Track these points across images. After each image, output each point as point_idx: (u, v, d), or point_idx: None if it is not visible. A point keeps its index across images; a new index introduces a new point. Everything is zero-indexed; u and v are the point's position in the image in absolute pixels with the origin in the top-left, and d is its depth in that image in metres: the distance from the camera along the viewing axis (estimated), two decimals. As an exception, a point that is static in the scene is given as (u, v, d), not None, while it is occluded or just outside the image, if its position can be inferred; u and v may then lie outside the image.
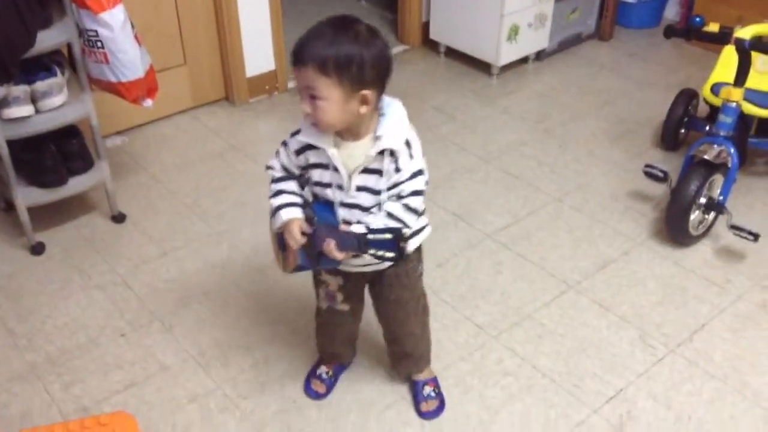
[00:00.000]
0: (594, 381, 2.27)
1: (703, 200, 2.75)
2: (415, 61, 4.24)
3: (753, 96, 2.85)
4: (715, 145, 2.68)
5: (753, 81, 2.78)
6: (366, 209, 1.73)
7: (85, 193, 2.92)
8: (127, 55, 2.57)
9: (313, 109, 1.60)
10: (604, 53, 4.34)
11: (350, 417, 2.15)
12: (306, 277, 2.04)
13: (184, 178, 3.18)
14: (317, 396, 2.20)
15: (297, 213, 1.77)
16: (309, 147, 1.73)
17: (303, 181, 1.82)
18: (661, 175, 2.90)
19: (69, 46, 2.57)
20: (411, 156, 1.68)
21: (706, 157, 2.65)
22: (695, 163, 2.71)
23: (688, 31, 2.73)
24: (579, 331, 2.44)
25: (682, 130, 3.33)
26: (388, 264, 1.83)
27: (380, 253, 1.58)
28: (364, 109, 1.62)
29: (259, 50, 3.67)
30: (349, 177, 1.70)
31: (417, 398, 2.17)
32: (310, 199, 1.81)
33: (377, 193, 1.71)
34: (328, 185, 1.74)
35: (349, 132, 1.68)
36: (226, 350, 2.36)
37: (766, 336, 2.43)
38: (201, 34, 3.51)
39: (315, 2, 4.65)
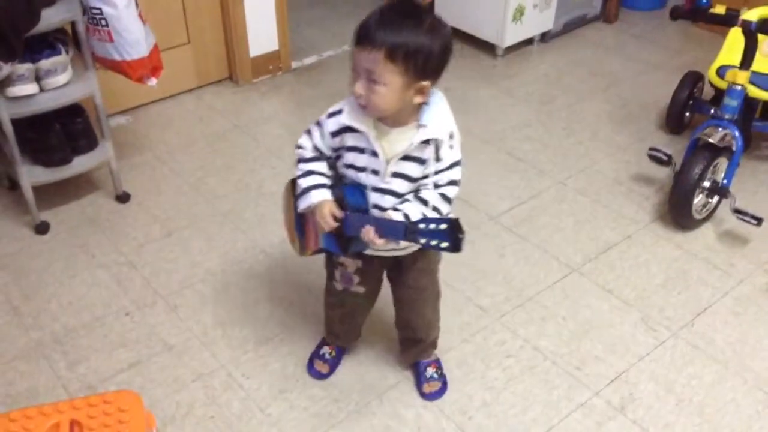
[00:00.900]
0: (596, 363, 2.28)
1: (707, 184, 2.75)
2: (420, 41, 4.21)
3: (758, 79, 2.84)
4: (720, 129, 2.67)
5: (759, 64, 2.77)
6: (399, 195, 1.71)
7: (89, 172, 2.92)
8: (132, 33, 2.56)
9: (369, 92, 1.57)
10: (610, 35, 4.32)
11: (353, 397, 2.17)
12: (311, 257, 2.04)
13: (188, 157, 3.18)
14: (320, 376, 2.21)
15: (328, 195, 1.74)
16: (347, 129, 1.70)
17: (332, 163, 1.79)
18: (665, 158, 2.90)
19: (73, 24, 2.55)
20: (451, 146, 1.68)
21: (710, 140, 2.65)
22: (700, 147, 2.70)
23: (695, 12, 2.71)
24: (581, 313, 2.45)
25: (687, 113, 3.32)
26: (412, 249, 1.83)
27: (433, 242, 1.55)
28: (418, 99, 1.61)
29: (263, 30, 3.66)
30: (387, 162, 1.69)
31: (420, 379, 2.18)
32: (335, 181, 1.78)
33: (413, 180, 1.70)
34: (362, 169, 1.72)
35: (392, 118, 1.66)
36: (230, 330, 2.37)
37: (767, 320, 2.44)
38: (205, 13, 3.50)
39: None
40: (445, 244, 1.54)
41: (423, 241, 1.56)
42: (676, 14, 2.75)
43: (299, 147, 1.79)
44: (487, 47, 4.05)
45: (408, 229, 1.58)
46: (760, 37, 2.62)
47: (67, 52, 2.59)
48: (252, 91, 3.69)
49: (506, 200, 2.96)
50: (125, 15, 2.52)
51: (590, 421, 2.11)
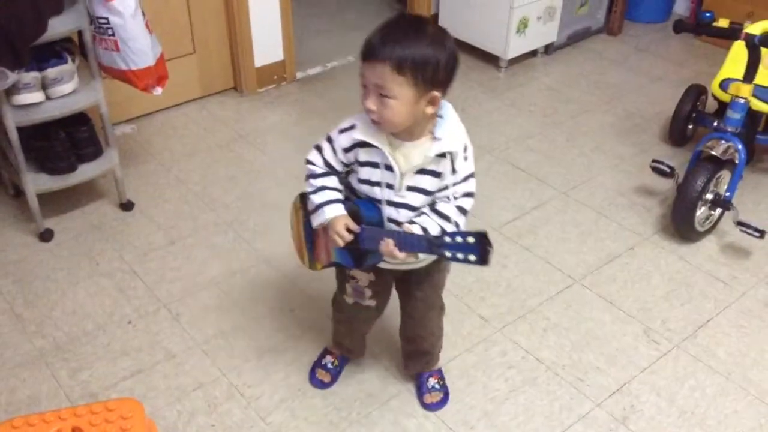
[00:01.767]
0: (598, 375, 2.28)
1: (709, 196, 2.75)
2: (424, 52, 4.22)
3: (761, 92, 2.85)
4: (723, 141, 2.68)
5: (762, 77, 2.77)
6: (414, 209, 1.72)
7: (94, 180, 2.93)
8: (138, 43, 2.57)
9: (381, 107, 1.57)
10: (613, 47, 4.34)
11: (355, 406, 2.16)
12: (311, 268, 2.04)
13: (193, 166, 3.19)
14: (322, 385, 2.22)
15: (342, 210, 1.74)
16: (360, 144, 1.70)
17: (342, 178, 1.79)
18: (668, 170, 2.90)
19: (80, 34, 2.57)
20: (465, 158, 1.69)
21: (713, 152, 2.65)
22: (702, 159, 2.71)
23: (698, 26, 2.72)
24: (583, 324, 2.45)
25: (690, 126, 3.33)
26: (427, 262, 1.83)
27: (460, 255, 1.55)
28: (430, 110, 1.61)
29: (268, 40, 3.67)
30: (402, 176, 1.69)
31: (421, 390, 2.18)
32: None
33: (429, 193, 1.70)
34: (376, 184, 1.72)
35: (405, 132, 1.66)
36: (232, 339, 2.37)
37: (770, 333, 2.44)
38: (210, 23, 3.52)
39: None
40: (473, 257, 1.54)
41: (449, 254, 1.56)
42: (679, 27, 2.75)
43: (310, 163, 1.79)
44: (491, 59, 4.06)
45: (432, 243, 1.58)
46: (764, 50, 2.63)
47: (73, 61, 2.60)
48: (257, 101, 3.71)
49: (509, 211, 2.97)
50: (132, 25, 2.53)
51: (592, 432, 2.11)
